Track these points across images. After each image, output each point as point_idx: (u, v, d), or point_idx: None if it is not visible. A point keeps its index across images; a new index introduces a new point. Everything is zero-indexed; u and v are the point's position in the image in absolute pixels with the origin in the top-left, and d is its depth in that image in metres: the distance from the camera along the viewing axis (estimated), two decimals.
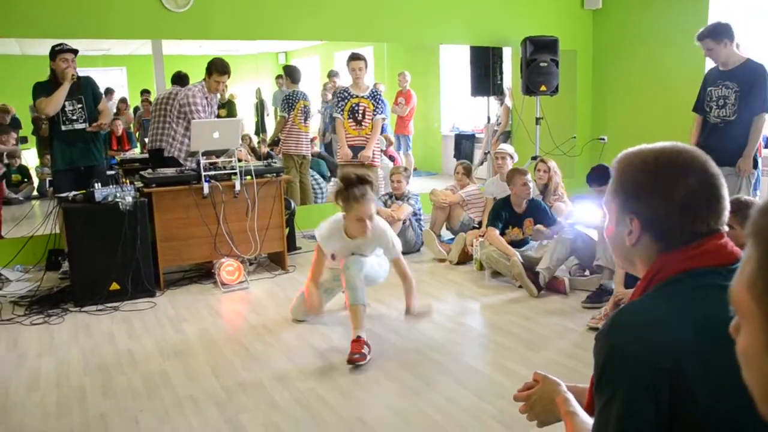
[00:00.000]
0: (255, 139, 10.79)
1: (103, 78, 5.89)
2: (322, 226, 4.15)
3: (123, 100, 11.47)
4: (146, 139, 7.00)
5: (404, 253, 6.25)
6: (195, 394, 3.48)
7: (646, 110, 8.08)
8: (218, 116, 6.58)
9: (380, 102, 6.51)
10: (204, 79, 5.85)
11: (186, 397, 3.46)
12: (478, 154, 10.17)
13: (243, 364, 3.89)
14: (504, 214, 5.56)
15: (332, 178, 8.55)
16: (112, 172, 6.71)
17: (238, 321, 4.76)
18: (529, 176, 5.56)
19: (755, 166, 5.04)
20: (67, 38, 5.67)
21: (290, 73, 8.05)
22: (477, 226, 6.34)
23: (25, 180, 10.39)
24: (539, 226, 5.57)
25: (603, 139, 8.66)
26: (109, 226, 4.97)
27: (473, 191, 6.68)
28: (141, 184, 5.34)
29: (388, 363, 3.83)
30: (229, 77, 5.86)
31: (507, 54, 8.35)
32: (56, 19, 5.81)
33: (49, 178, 9.86)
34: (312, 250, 6.40)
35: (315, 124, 9.48)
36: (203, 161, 5.32)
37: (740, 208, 3.43)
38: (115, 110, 10.92)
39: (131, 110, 11.47)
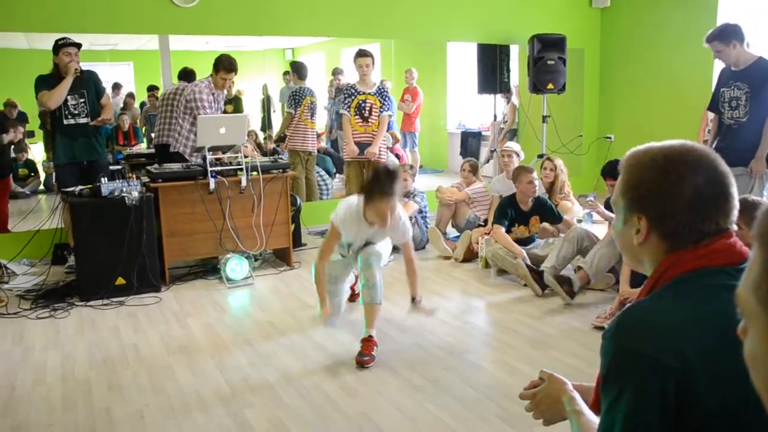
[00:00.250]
0: (261, 135, 10.79)
1: (110, 73, 5.90)
2: (340, 207, 4.04)
3: (130, 95, 11.48)
4: (152, 135, 7.00)
5: None
6: (200, 390, 3.49)
7: (653, 109, 8.06)
8: (225, 112, 6.58)
9: (387, 99, 6.50)
10: (211, 75, 5.85)
11: (191, 392, 3.46)
12: (484, 152, 10.15)
13: (248, 360, 3.89)
14: (510, 212, 5.56)
15: (338, 175, 8.55)
16: (119, 167, 6.71)
17: (243, 317, 4.76)
18: (535, 174, 5.55)
19: None
20: (74, 33, 5.68)
21: (297, 70, 8.04)
22: (483, 223, 6.33)
23: (32, 174, 10.40)
24: (545, 225, 5.57)
25: (610, 138, 8.64)
26: (115, 221, 4.98)
27: (479, 189, 6.67)
28: (147, 179, 5.35)
29: (393, 360, 3.83)
30: (236, 75, 5.86)
31: (514, 52, 8.34)
32: (63, 13, 5.81)
33: (54, 172, 9.90)
34: (318, 246, 6.44)
35: (321, 120, 9.47)
36: (209, 157, 5.32)
37: (747, 208, 3.41)
38: (122, 105, 10.94)
39: (137, 105, 11.48)
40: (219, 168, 5.41)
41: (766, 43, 6.64)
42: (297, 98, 7.71)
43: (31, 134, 10.89)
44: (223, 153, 5.54)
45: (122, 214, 4.99)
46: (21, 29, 6.12)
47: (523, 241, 5.53)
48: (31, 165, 10.46)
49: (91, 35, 5.79)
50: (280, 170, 5.70)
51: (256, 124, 11.31)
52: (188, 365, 3.82)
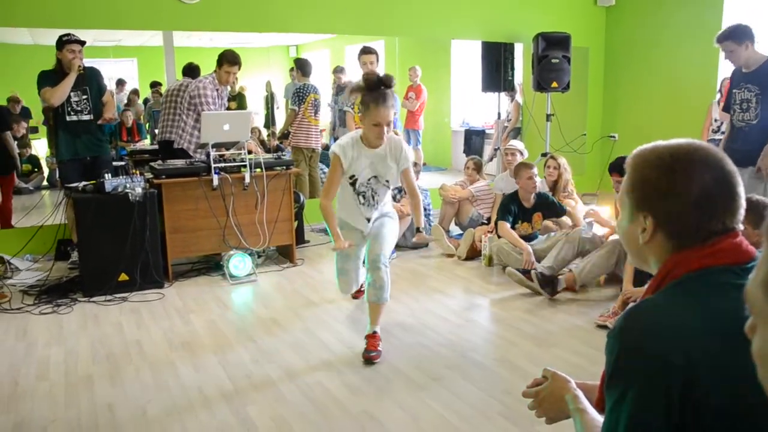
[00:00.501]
0: (264, 132, 10.79)
1: (114, 69, 5.90)
2: (340, 138, 4.05)
3: (134, 91, 11.49)
4: (156, 131, 7.00)
5: (413, 248, 6.30)
6: (202, 387, 3.49)
7: (657, 108, 8.04)
8: (228, 109, 6.58)
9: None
10: (214, 71, 5.85)
11: (194, 389, 3.46)
12: (488, 150, 10.15)
13: (251, 356, 3.89)
14: (513, 209, 5.57)
15: None
16: (122, 163, 6.72)
17: (246, 314, 4.76)
18: (535, 170, 5.57)
19: None
20: (78, 28, 5.68)
21: (301, 66, 8.03)
22: (486, 222, 6.33)
23: (36, 170, 10.43)
24: (547, 223, 5.60)
25: (613, 137, 8.63)
26: (118, 217, 4.98)
27: (483, 187, 6.67)
28: (151, 176, 5.35)
29: (395, 358, 3.83)
30: (239, 68, 5.86)
31: (518, 50, 8.33)
32: (68, 8, 5.81)
33: (57, 169, 9.92)
34: (321, 243, 6.45)
35: (325, 117, 9.47)
36: (213, 153, 5.32)
37: (752, 207, 3.42)
38: (126, 101, 10.95)
39: (141, 101, 11.49)
40: (222, 164, 5.41)
41: None
42: (301, 95, 7.71)
43: (34, 130, 10.91)
44: (227, 150, 5.54)
45: (125, 210, 4.99)
46: (25, 25, 6.12)
47: (525, 238, 5.53)
48: (34, 161, 10.49)
49: (95, 31, 5.79)
50: (284, 167, 5.70)
51: (259, 121, 11.32)
52: (191, 362, 3.82)
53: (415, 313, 4.60)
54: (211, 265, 5.75)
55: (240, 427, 3.06)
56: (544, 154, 7.39)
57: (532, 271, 4.85)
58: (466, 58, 10.90)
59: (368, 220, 4.13)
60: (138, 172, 5.47)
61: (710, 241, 1.29)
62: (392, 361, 3.78)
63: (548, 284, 4.78)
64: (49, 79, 5.52)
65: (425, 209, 6.39)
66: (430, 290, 5.13)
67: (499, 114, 8.61)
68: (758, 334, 0.83)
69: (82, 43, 5.56)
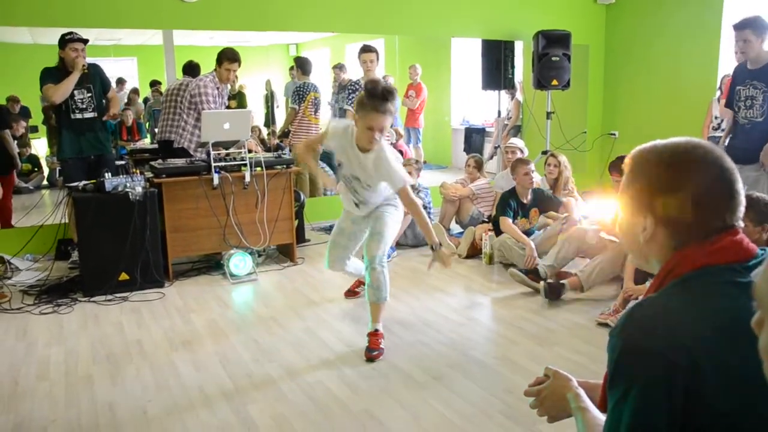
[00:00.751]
0: (264, 131, 10.79)
1: (114, 68, 5.90)
2: (339, 120, 4.03)
3: (135, 90, 11.50)
4: (156, 130, 7.00)
5: (413, 246, 6.30)
6: (203, 386, 3.48)
7: (657, 106, 8.03)
8: (228, 107, 6.57)
9: None
10: (215, 70, 5.85)
11: (194, 388, 3.46)
12: (488, 148, 10.15)
13: (251, 355, 3.89)
14: (512, 204, 5.62)
15: None
16: (123, 162, 6.72)
17: (246, 312, 4.76)
18: (532, 166, 5.60)
19: None
20: (78, 27, 5.67)
21: (301, 65, 8.03)
22: (486, 220, 6.32)
23: (35, 169, 10.43)
24: (546, 220, 5.62)
25: (614, 135, 8.62)
26: (118, 216, 4.98)
27: (483, 185, 6.66)
28: (151, 175, 5.34)
29: (396, 356, 3.82)
30: (239, 65, 5.86)
31: (519, 48, 8.32)
32: (68, 7, 5.80)
33: (60, 168, 9.92)
34: (322, 242, 6.45)
35: (325, 116, 9.46)
36: (213, 152, 5.32)
37: (752, 204, 3.42)
38: (126, 100, 10.95)
39: (141, 101, 11.50)
40: (223, 163, 5.40)
41: None
42: (301, 94, 7.70)
43: (34, 129, 10.91)
44: (226, 149, 5.53)
45: (126, 209, 4.98)
46: (25, 24, 6.11)
47: (524, 234, 5.54)
48: (34, 160, 10.49)
49: (95, 30, 5.78)
50: (284, 166, 5.69)
51: (259, 120, 11.32)
52: (191, 361, 3.82)
53: (415, 312, 4.60)
54: (212, 265, 5.74)
55: (241, 426, 3.06)
56: (544, 152, 7.38)
57: (541, 283, 4.82)
58: (466, 56, 10.91)
59: (356, 205, 4.12)
60: (138, 171, 5.46)
61: (711, 239, 1.29)
62: (393, 360, 3.77)
63: (554, 292, 4.75)
64: (52, 76, 5.51)
65: (425, 207, 6.38)
66: (430, 289, 5.13)
67: (499, 112, 8.60)
68: (766, 329, 0.83)
69: (85, 41, 5.55)
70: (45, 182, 10.46)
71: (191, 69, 6.96)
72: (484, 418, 3.09)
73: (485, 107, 10.91)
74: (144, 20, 6.20)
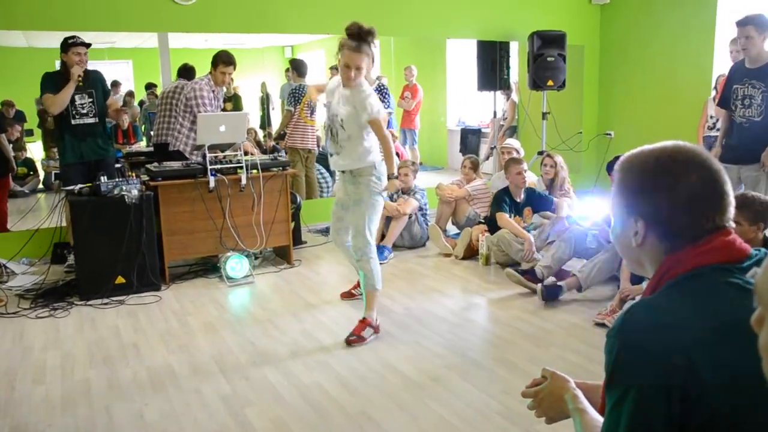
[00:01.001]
0: (260, 133, 10.78)
1: (109, 71, 5.88)
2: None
3: (130, 93, 11.47)
4: (152, 133, 6.99)
5: (410, 247, 6.30)
6: (200, 388, 3.48)
7: (653, 106, 8.04)
8: (224, 110, 6.56)
9: (386, 96, 6.48)
10: (210, 73, 5.84)
11: (191, 391, 3.45)
12: (484, 149, 10.15)
13: (248, 358, 3.88)
14: (507, 200, 5.68)
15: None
16: (118, 165, 6.70)
17: (243, 315, 4.75)
18: (525, 165, 5.65)
19: None
20: (73, 30, 5.66)
21: (297, 67, 8.02)
22: (483, 221, 6.32)
23: (31, 173, 10.41)
24: (541, 220, 5.65)
25: (609, 135, 8.63)
26: (114, 220, 4.97)
27: (479, 186, 6.67)
28: (147, 178, 5.34)
29: (393, 358, 3.82)
30: (234, 68, 5.86)
31: (514, 48, 8.33)
32: (63, 11, 5.79)
33: (55, 171, 9.90)
34: (318, 244, 6.46)
35: (321, 117, 9.46)
36: (209, 155, 5.31)
37: (746, 204, 3.42)
38: (121, 103, 10.93)
39: (137, 103, 11.47)
40: (219, 166, 5.39)
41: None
42: (296, 96, 7.69)
43: (29, 133, 10.89)
44: (222, 151, 5.52)
45: (122, 212, 4.97)
46: (21, 27, 6.10)
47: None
48: (30, 164, 10.47)
49: (91, 33, 5.77)
50: (280, 168, 5.69)
51: (255, 122, 11.31)
52: (188, 364, 3.81)
53: (412, 313, 4.60)
54: (208, 267, 5.73)
55: (238, 429, 3.05)
56: (540, 153, 7.39)
57: (538, 286, 4.81)
58: (462, 57, 10.91)
59: (331, 155, 4.32)
60: (134, 174, 5.45)
61: (702, 241, 1.30)
62: (390, 361, 3.77)
63: (551, 294, 4.75)
64: (52, 82, 5.49)
65: (422, 209, 6.39)
66: (427, 290, 5.13)
67: (495, 113, 8.61)
68: (766, 326, 0.83)
69: (88, 45, 5.54)
70: (41, 186, 10.44)
71: (186, 72, 6.95)
72: (481, 419, 3.09)
73: (481, 108, 10.92)
74: (140, 23, 6.19)
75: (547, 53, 7.43)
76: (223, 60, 5.75)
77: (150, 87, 11.02)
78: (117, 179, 5.15)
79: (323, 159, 8.34)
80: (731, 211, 1.33)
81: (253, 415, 3.18)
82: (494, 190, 6.44)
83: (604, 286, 4.95)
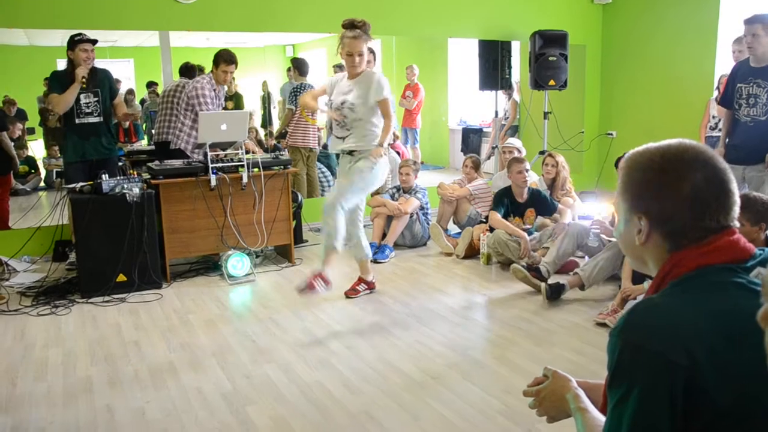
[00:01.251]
0: (262, 132, 10.78)
1: (110, 69, 5.86)
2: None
3: (130, 92, 11.47)
4: (153, 131, 6.99)
5: (411, 246, 6.30)
6: (201, 386, 3.48)
7: (654, 105, 8.04)
8: (225, 108, 6.56)
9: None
10: (211, 71, 5.84)
11: (192, 389, 3.46)
12: (485, 149, 10.15)
13: (249, 356, 3.88)
14: (506, 202, 5.63)
15: None
16: (120, 164, 6.70)
17: (244, 313, 4.75)
18: (526, 165, 5.61)
19: None
20: (74, 29, 5.66)
21: (298, 66, 8.02)
22: (484, 220, 6.32)
23: (32, 171, 10.41)
24: (544, 220, 5.62)
25: (611, 135, 8.62)
26: (116, 218, 4.97)
27: (481, 185, 6.66)
28: (148, 176, 5.34)
29: (394, 357, 3.82)
30: (236, 67, 5.85)
31: (516, 48, 8.32)
32: (65, 9, 5.79)
33: (57, 169, 9.90)
34: (319, 243, 6.45)
35: (322, 116, 9.45)
36: (210, 153, 5.31)
37: (749, 204, 3.42)
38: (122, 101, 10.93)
39: (138, 102, 11.47)
40: (220, 164, 5.40)
41: None
42: (298, 94, 7.69)
43: (31, 131, 10.89)
44: (223, 150, 5.52)
45: (123, 210, 4.98)
46: (23, 26, 6.09)
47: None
48: (31, 162, 10.47)
49: (92, 31, 5.76)
50: (282, 167, 5.69)
51: (256, 121, 11.30)
52: (190, 362, 3.81)
53: (413, 312, 4.60)
54: (210, 266, 5.74)
55: (239, 427, 3.05)
56: (542, 152, 7.38)
57: (543, 285, 4.81)
58: (463, 57, 10.90)
59: (339, 138, 4.66)
60: (135, 172, 5.45)
61: (706, 240, 1.29)
62: (391, 361, 3.77)
63: (555, 293, 4.76)
64: (59, 81, 5.50)
65: (423, 208, 6.39)
66: (428, 289, 5.13)
67: (496, 112, 8.61)
68: None
69: (94, 42, 5.54)
70: (42, 184, 10.44)
71: (188, 70, 6.95)
72: (483, 418, 3.09)
73: (482, 107, 10.91)
74: (141, 22, 6.19)
75: (549, 53, 7.43)
76: (225, 59, 5.74)
77: (151, 85, 11.02)
78: (118, 177, 5.16)
79: (324, 158, 8.37)
80: (736, 210, 1.32)
81: (254, 413, 3.18)
82: (495, 190, 6.44)
83: (606, 285, 4.95)
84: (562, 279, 4.88)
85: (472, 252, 5.97)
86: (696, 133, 6.82)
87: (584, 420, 1.49)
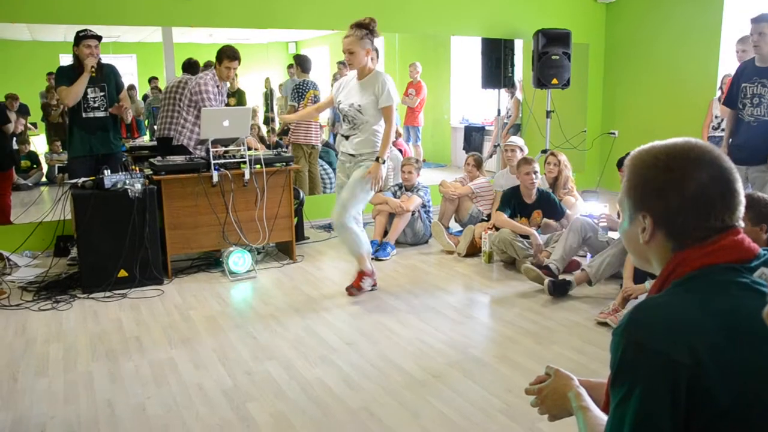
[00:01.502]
0: (264, 129, 10.78)
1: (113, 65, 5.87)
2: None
3: (131, 87, 11.48)
4: (155, 127, 6.99)
5: (413, 244, 6.30)
6: (202, 382, 3.48)
7: (657, 105, 8.04)
8: (228, 105, 6.56)
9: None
10: (214, 67, 5.84)
11: (193, 385, 3.46)
12: (487, 147, 10.14)
13: (250, 353, 3.88)
14: (513, 202, 5.60)
15: None
16: (122, 159, 6.70)
17: (245, 310, 4.76)
18: (536, 166, 5.57)
19: None
20: (77, 24, 5.66)
21: (301, 63, 8.02)
22: (486, 218, 6.32)
23: (34, 166, 10.42)
24: (549, 221, 5.59)
25: (614, 134, 8.63)
26: (118, 213, 4.97)
27: (483, 184, 6.66)
28: (150, 172, 5.33)
29: (395, 354, 3.82)
30: (239, 63, 5.84)
31: (519, 46, 8.32)
32: (67, 4, 5.80)
33: (59, 165, 9.91)
34: (321, 240, 6.47)
35: (325, 113, 9.46)
36: (213, 149, 5.30)
37: (752, 204, 3.41)
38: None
39: (140, 98, 11.48)
40: (222, 161, 5.39)
41: None
42: (300, 91, 7.69)
43: (33, 126, 10.90)
44: (225, 146, 5.52)
45: (125, 206, 4.98)
46: (26, 20, 6.10)
47: (523, 234, 5.53)
48: (33, 157, 10.48)
49: (95, 27, 5.76)
50: (284, 163, 5.68)
51: (258, 117, 11.30)
52: (190, 358, 3.82)
53: (415, 310, 4.59)
54: (211, 262, 5.74)
55: (240, 423, 3.05)
56: (544, 151, 7.38)
57: (546, 281, 4.81)
58: (466, 55, 10.90)
59: (345, 137, 4.81)
60: (137, 168, 5.45)
61: (710, 240, 1.29)
62: (392, 358, 3.77)
63: (559, 290, 4.76)
64: (66, 76, 5.50)
65: (425, 206, 6.39)
66: (430, 287, 5.13)
67: (499, 110, 8.60)
68: None
69: (99, 38, 5.54)
70: (44, 179, 10.45)
71: (190, 66, 6.95)
72: (483, 416, 3.08)
73: (485, 106, 10.91)
74: (144, 17, 6.20)
75: (552, 51, 7.42)
76: (227, 55, 5.73)
77: (153, 81, 11.03)
78: (120, 173, 5.16)
79: (326, 155, 8.37)
80: (741, 210, 1.32)
81: (255, 409, 3.18)
82: (497, 188, 6.44)
83: (607, 284, 4.95)
84: (568, 277, 4.88)
85: (473, 250, 5.97)
86: (699, 133, 6.82)
87: (586, 419, 1.48)
